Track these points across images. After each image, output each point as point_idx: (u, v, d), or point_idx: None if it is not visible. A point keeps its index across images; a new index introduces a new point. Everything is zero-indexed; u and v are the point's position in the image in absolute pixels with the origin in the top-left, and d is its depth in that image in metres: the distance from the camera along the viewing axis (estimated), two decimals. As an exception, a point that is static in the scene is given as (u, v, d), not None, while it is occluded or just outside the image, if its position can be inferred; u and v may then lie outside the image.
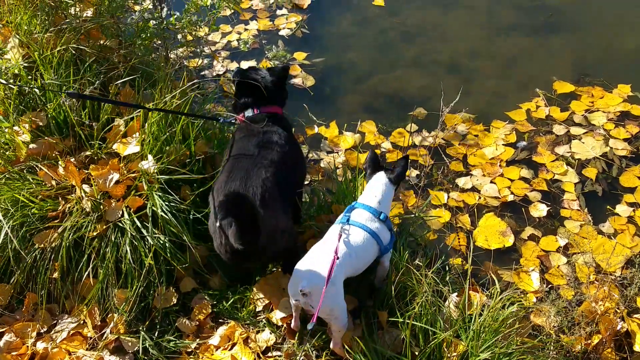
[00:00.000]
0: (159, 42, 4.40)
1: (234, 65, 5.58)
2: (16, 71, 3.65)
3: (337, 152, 4.80)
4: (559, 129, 4.89)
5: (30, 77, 3.72)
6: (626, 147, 4.71)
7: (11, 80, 3.62)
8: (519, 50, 5.66)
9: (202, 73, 5.48)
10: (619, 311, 3.53)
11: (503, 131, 4.89)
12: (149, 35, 4.13)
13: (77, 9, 3.95)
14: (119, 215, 3.34)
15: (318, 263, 2.89)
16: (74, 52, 3.75)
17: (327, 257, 2.89)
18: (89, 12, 3.99)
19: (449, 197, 4.41)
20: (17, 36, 3.70)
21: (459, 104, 4.22)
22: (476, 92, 5.24)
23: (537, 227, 4.22)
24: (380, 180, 3.31)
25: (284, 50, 5.76)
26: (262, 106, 3.49)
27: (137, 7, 5.12)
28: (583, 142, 4.76)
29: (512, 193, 4.42)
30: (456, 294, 3.42)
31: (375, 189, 3.28)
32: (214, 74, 5.50)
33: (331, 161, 4.64)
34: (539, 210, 4.31)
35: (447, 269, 3.80)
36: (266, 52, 5.74)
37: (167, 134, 3.62)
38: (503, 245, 4.09)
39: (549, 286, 3.82)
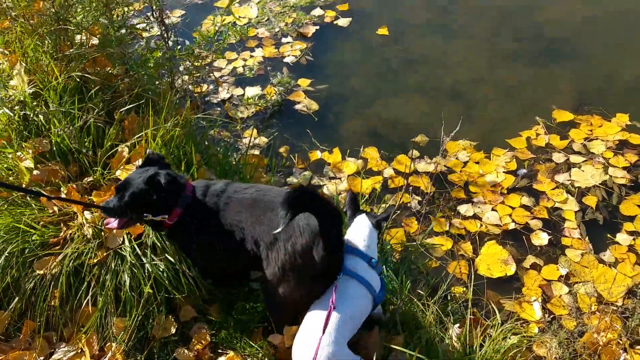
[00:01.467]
0: (165, 69, 4.28)
1: (239, 91, 5.48)
2: (21, 98, 3.53)
3: (340, 178, 4.66)
4: (558, 157, 4.74)
5: (35, 103, 3.60)
6: (625, 176, 4.55)
7: (16, 107, 3.50)
8: (519, 78, 5.52)
9: (207, 99, 5.38)
10: (621, 342, 3.41)
11: (503, 159, 4.75)
12: (154, 64, 4.01)
13: (84, 37, 3.84)
14: (120, 242, 3.20)
15: (314, 342, 2.63)
16: (79, 79, 3.63)
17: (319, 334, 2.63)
18: (95, 40, 3.88)
19: (450, 224, 4.25)
20: (23, 63, 3.59)
21: (460, 130, 4.08)
22: (477, 119, 5.11)
23: (539, 255, 4.06)
24: (364, 223, 3.07)
25: (288, 76, 5.66)
26: (186, 181, 3.06)
27: (145, 34, 5.04)
28: (583, 171, 4.61)
29: (513, 221, 4.26)
30: (458, 325, 3.26)
31: (361, 232, 3.04)
32: (219, 100, 5.40)
33: (334, 187, 4.50)
34: (540, 238, 4.15)
35: (449, 298, 3.64)
36: (271, 79, 5.64)
37: (170, 159, 3.50)
38: (505, 273, 3.93)
39: (551, 316, 3.68)
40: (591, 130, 4.94)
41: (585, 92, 5.32)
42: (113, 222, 2.95)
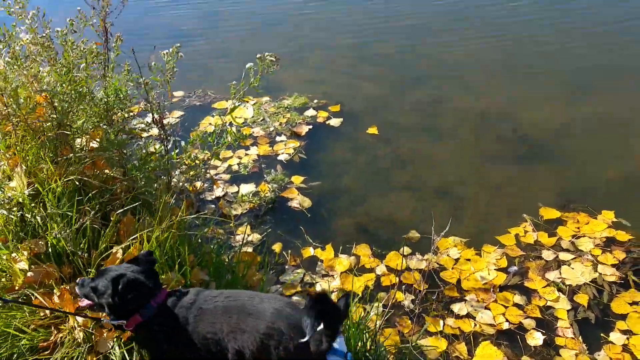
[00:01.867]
0: (162, 170, 4.31)
1: (233, 189, 5.51)
2: (20, 199, 3.51)
3: (333, 276, 4.60)
4: (548, 254, 4.72)
5: (33, 205, 3.58)
6: (615, 273, 4.51)
7: (14, 209, 3.47)
8: (504, 178, 5.60)
9: (202, 196, 5.40)
10: None
11: (494, 256, 4.72)
12: (152, 167, 4.05)
13: (83, 141, 3.89)
14: (110, 347, 3.08)
15: None
16: (77, 182, 3.63)
17: None
18: (95, 142, 3.92)
19: (444, 324, 4.15)
20: (24, 166, 3.60)
21: (450, 228, 4.11)
22: (466, 216, 5.13)
23: (534, 355, 3.94)
24: None
25: (282, 174, 5.72)
26: (158, 291, 2.92)
27: (143, 134, 5.10)
28: (572, 268, 4.58)
29: (507, 320, 4.17)
30: None
31: None
32: (214, 197, 5.41)
33: (326, 285, 4.42)
34: (535, 338, 4.04)
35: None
36: (265, 176, 5.69)
37: (163, 260, 3.45)
38: (501, 376, 3.80)
39: (551, 422, 3.51)
40: (578, 228, 4.95)
41: (570, 191, 5.37)
42: (84, 302, 2.98)
